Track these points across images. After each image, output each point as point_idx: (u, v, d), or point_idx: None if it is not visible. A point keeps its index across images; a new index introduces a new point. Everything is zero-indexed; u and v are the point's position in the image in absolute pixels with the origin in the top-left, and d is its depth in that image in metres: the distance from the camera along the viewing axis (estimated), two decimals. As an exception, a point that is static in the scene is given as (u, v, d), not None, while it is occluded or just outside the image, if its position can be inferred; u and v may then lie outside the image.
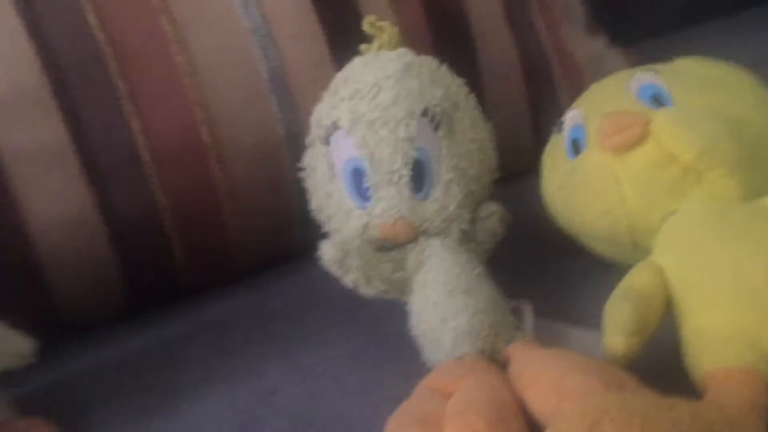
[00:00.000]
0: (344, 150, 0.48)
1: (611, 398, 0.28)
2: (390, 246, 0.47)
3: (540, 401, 0.34)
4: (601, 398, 0.28)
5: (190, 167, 0.54)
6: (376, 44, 0.53)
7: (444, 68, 0.53)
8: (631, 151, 0.42)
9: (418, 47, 0.62)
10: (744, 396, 0.32)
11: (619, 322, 0.37)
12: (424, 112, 0.48)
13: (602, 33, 0.80)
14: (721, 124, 0.41)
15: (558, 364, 0.35)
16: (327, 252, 0.45)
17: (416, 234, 0.47)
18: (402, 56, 0.51)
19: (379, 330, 0.49)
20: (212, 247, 0.57)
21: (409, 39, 0.62)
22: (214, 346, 0.51)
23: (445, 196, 0.47)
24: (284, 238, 0.59)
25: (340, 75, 0.51)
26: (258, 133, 0.56)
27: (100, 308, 0.55)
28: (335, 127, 0.48)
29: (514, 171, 0.57)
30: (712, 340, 0.36)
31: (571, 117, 0.49)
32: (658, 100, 0.45)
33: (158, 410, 0.45)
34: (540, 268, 0.52)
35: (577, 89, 0.53)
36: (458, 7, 0.64)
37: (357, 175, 0.47)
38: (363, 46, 0.53)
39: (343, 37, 0.57)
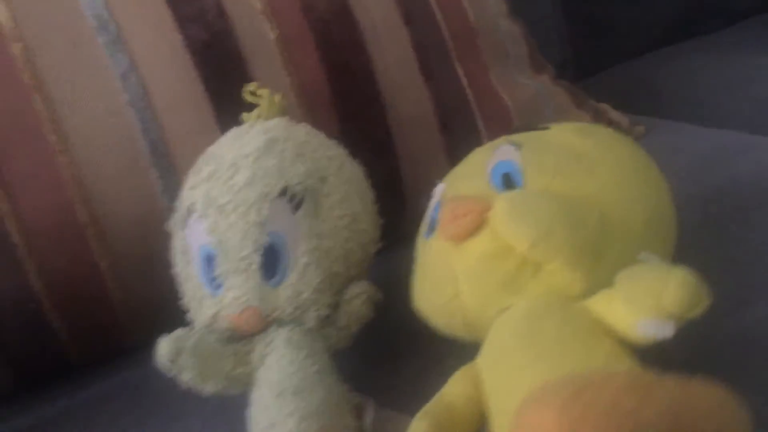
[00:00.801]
0: (198, 235, 0.46)
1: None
2: (239, 337, 0.45)
3: None
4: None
5: (66, 247, 0.53)
6: (255, 113, 0.52)
7: (317, 138, 0.51)
8: (467, 241, 0.39)
9: (318, 108, 0.60)
10: None
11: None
12: (283, 192, 0.46)
13: (547, 69, 0.76)
14: (560, 210, 0.38)
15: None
16: (162, 349, 0.43)
17: (265, 324, 0.45)
18: (268, 130, 0.49)
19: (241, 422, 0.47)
20: (99, 324, 0.56)
21: (307, 101, 0.60)
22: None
23: (299, 282, 0.45)
24: (176, 311, 0.58)
25: (209, 150, 0.50)
26: (139, 207, 0.55)
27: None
28: (191, 210, 0.47)
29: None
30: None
31: (437, 191, 0.46)
32: (508, 180, 0.41)
33: None
34: (413, 349, 0.49)
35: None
36: (362, 63, 0.61)
37: (209, 262, 0.45)
38: (244, 115, 0.52)
39: (230, 104, 0.55)
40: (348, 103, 0.61)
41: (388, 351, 0.50)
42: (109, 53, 0.55)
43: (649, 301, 0.31)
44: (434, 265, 0.41)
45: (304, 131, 0.50)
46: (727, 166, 0.62)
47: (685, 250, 0.41)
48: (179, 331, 0.45)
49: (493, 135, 0.66)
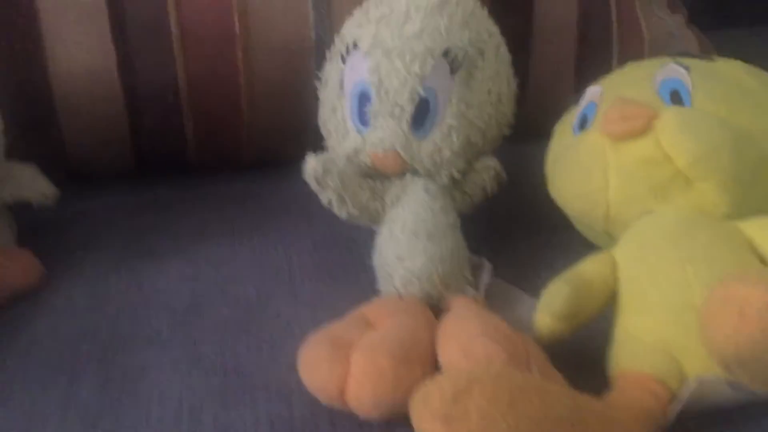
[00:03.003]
0: (357, 71, 0.48)
1: (491, 371, 0.29)
2: (376, 175, 0.48)
3: (447, 354, 0.35)
4: (480, 369, 0.29)
5: (214, 52, 0.55)
6: (429, -31, 0.52)
7: (482, 12, 0.52)
8: (628, 142, 0.41)
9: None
10: (644, 402, 0.33)
11: (552, 303, 0.37)
12: (446, 53, 0.47)
13: (682, 11, 0.76)
14: (727, 136, 0.40)
15: (476, 326, 0.36)
16: (309, 166, 0.45)
17: (405, 170, 0.47)
18: (444, -11, 0.50)
19: (350, 251, 0.50)
20: (224, 134, 0.59)
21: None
22: (189, 221, 0.54)
23: (442, 141, 0.47)
24: (298, 140, 0.60)
25: (378, -6, 0.51)
26: (289, 34, 0.57)
27: (109, 165, 0.58)
28: (355, 46, 0.48)
29: (547, 132, 0.56)
30: (633, 343, 0.36)
31: (590, 92, 0.48)
32: (676, 97, 0.43)
33: (120, 266, 0.49)
34: (522, 233, 0.52)
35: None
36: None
37: (363, 99, 0.47)
38: (413, -30, 0.52)
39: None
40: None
41: (500, 229, 0.52)
42: None
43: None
44: (586, 157, 0.43)
45: (472, 2, 0.51)
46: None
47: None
48: (326, 154, 0.47)
49: (624, 58, 0.67)
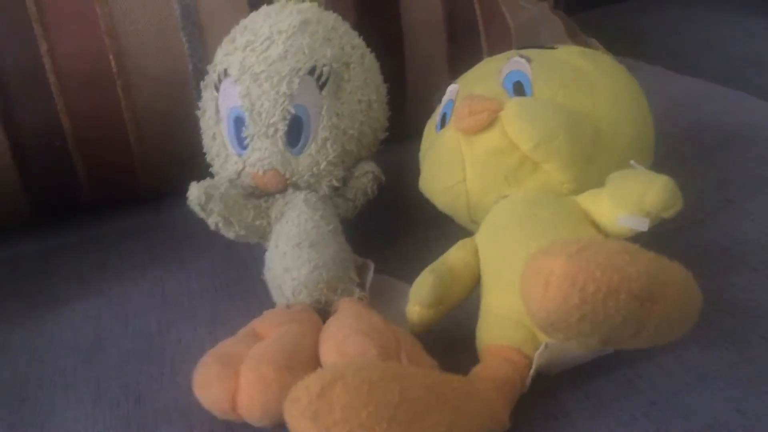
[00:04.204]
0: (230, 97, 0.50)
1: (353, 364, 0.32)
2: (260, 194, 0.50)
3: (325, 355, 0.38)
4: (343, 364, 0.32)
5: (95, 93, 0.57)
6: (288, -6, 0.55)
7: (344, 26, 0.54)
8: (478, 135, 0.45)
9: (339, 1, 0.64)
10: (502, 371, 0.36)
11: (419, 293, 0.41)
12: (311, 71, 0.50)
13: (548, -4, 0.81)
14: (563, 120, 0.44)
15: (350, 324, 0.38)
16: (192, 194, 0.48)
17: (285, 185, 0.50)
18: (302, 12, 0.52)
19: (248, 268, 0.53)
20: (116, 170, 0.60)
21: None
22: (92, 261, 0.56)
23: (318, 153, 0.50)
24: (189, 168, 0.62)
25: (242, 22, 0.54)
26: (165, 66, 0.58)
27: (5, 217, 0.59)
28: (226, 74, 0.51)
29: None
30: (493, 319, 0.39)
31: (450, 90, 0.51)
32: (519, 87, 0.47)
33: (25, 315, 0.50)
34: (406, 229, 0.55)
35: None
36: (386, -37, 0.65)
37: (238, 123, 0.50)
38: (276, -7, 0.55)
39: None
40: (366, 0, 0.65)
41: (384, 227, 0.56)
42: None
43: (632, 198, 0.38)
44: (445, 153, 0.46)
45: (333, 18, 0.54)
46: (695, 110, 0.69)
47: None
48: (208, 180, 0.50)
49: (494, 50, 0.71)
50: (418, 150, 0.54)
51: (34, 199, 0.59)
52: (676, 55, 0.93)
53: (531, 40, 0.75)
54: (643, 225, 0.38)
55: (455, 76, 0.66)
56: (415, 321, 0.41)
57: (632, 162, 0.41)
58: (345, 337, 0.38)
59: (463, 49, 0.69)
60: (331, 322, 0.41)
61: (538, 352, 0.36)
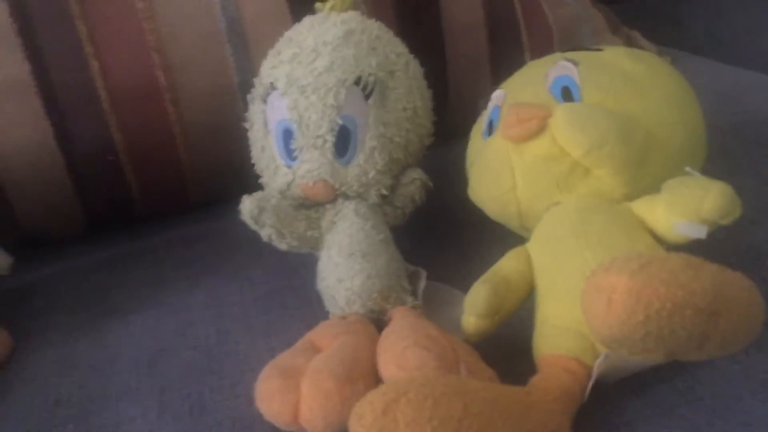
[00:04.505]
0: (278, 110, 0.51)
1: (416, 380, 0.32)
2: (310, 204, 0.51)
3: (384, 368, 0.38)
4: (407, 380, 0.32)
5: (145, 108, 0.58)
6: (329, 4, 0.55)
7: (387, 35, 0.55)
8: (527, 142, 0.45)
9: (379, 5, 0.64)
10: (562, 381, 0.36)
11: (474, 303, 0.41)
12: (357, 81, 0.50)
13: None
14: (614, 125, 0.43)
15: (407, 337, 0.39)
16: (245, 207, 0.49)
17: (335, 196, 0.51)
18: (345, 22, 0.53)
19: (300, 277, 0.54)
20: (167, 182, 0.62)
21: (370, -2, 0.64)
22: (146, 272, 0.57)
23: (366, 163, 0.50)
24: (238, 177, 0.63)
25: (287, 34, 0.54)
26: (212, 80, 0.60)
27: (61, 229, 0.61)
28: (273, 87, 0.52)
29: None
30: (550, 328, 0.39)
31: (495, 96, 0.51)
32: (567, 93, 0.47)
33: (86, 328, 0.51)
34: (455, 234, 0.56)
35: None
36: (424, -33, 0.65)
37: (287, 136, 0.50)
38: (318, 4, 0.56)
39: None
40: (407, 2, 0.65)
41: (433, 233, 0.56)
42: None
43: (690, 205, 0.38)
44: (494, 161, 0.47)
45: (376, 26, 0.55)
46: (742, 102, 0.68)
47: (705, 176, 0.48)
48: (259, 193, 0.50)
49: (535, 49, 0.71)
50: (462, 151, 0.54)
51: (90, 212, 0.61)
52: (720, 43, 0.91)
53: (573, 37, 0.74)
54: (701, 232, 0.38)
55: (497, 75, 0.66)
56: (471, 332, 0.41)
57: (687, 168, 0.41)
58: (403, 350, 0.38)
59: (504, 48, 0.69)
60: (388, 333, 0.42)
61: (598, 361, 0.36)
